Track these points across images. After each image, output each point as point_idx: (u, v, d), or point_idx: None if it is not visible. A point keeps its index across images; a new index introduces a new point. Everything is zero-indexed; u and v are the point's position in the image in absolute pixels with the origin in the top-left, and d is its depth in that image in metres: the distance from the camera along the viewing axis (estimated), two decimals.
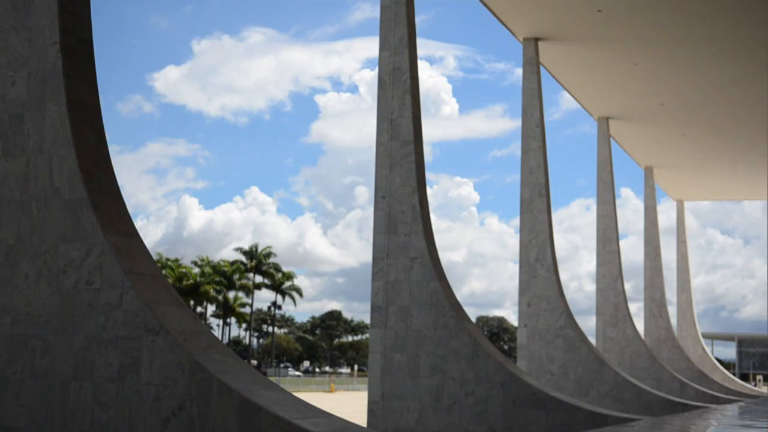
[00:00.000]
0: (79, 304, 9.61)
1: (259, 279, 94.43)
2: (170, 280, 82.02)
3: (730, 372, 63.62)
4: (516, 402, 16.51)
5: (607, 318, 34.91)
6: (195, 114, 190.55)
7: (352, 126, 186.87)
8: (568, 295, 27.28)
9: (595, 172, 35.52)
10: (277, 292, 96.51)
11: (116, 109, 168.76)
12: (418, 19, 19.65)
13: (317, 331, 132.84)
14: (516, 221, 27.91)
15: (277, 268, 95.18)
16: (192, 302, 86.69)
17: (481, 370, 16.91)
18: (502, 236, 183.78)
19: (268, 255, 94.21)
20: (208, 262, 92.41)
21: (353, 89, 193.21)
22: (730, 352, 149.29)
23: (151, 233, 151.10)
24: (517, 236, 26.12)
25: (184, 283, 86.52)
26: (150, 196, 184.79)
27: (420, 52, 19.55)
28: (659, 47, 27.07)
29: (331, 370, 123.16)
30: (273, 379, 69.35)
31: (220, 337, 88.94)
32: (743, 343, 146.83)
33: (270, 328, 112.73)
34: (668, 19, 24.60)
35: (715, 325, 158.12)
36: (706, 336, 72.28)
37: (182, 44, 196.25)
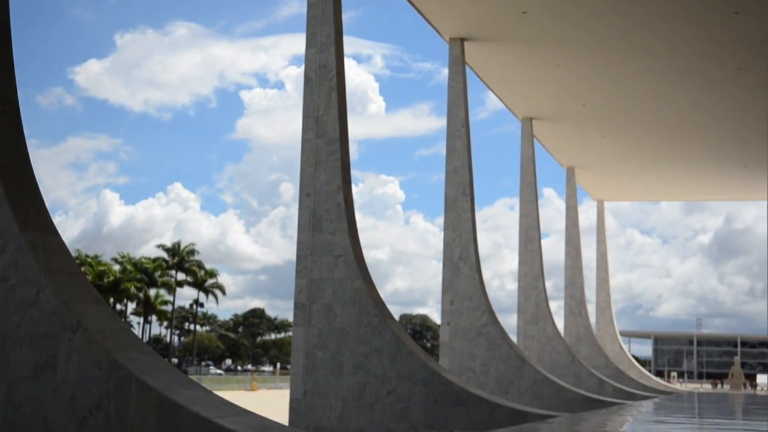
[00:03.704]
0: None
1: (181, 276, 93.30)
2: (89, 278, 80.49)
3: (646, 369, 65.08)
4: (437, 399, 16.60)
5: (528, 316, 35.35)
6: (117, 108, 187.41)
7: (278, 123, 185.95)
8: (491, 293, 27.58)
9: (518, 171, 35.95)
10: (199, 290, 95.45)
11: (36, 102, 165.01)
12: (345, 17, 19.63)
13: (240, 329, 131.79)
14: (440, 220, 28.10)
15: (200, 266, 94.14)
16: (112, 300, 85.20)
17: (403, 367, 16.96)
18: (427, 235, 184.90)
19: (191, 252, 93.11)
20: (129, 259, 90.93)
21: (279, 86, 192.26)
22: (646, 349, 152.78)
23: (70, 229, 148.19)
24: (441, 235, 26.28)
25: (104, 280, 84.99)
26: (69, 192, 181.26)
27: (347, 50, 19.52)
28: (582, 49, 27.51)
29: (254, 368, 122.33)
30: (194, 377, 68.58)
31: (140, 336, 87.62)
32: (659, 341, 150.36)
33: (192, 326, 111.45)
34: (591, 21, 25.01)
35: (633, 323, 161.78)
36: (623, 334, 73.86)
37: (105, 37, 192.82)
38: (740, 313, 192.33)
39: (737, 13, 23.30)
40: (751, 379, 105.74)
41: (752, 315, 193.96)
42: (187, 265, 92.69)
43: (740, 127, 35.07)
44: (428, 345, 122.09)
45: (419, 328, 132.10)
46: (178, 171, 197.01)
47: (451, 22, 25.91)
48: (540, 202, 36.68)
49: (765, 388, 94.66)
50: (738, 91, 30.62)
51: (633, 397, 34.19)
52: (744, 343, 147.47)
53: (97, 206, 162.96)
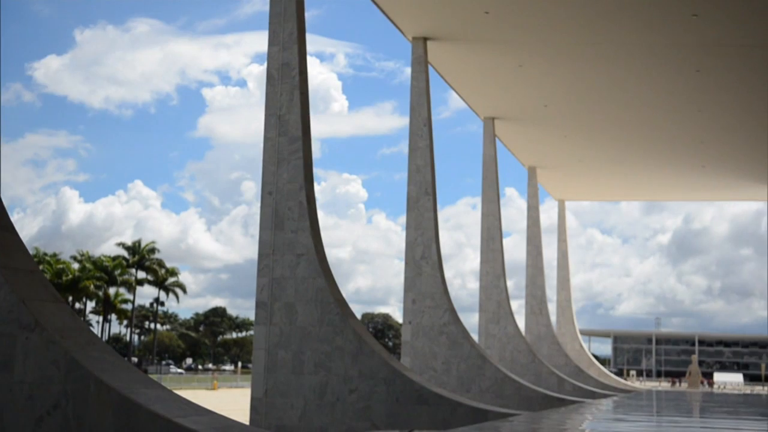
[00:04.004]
0: None
1: (141, 275, 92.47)
2: (48, 276, 79.58)
3: (605, 368, 65.66)
4: (399, 398, 16.62)
5: (489, 315, 35.50)
6: (77, 105, 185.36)
7: (240, 121, 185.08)
8: (453, 292, 27.65)
9: (481, 171, 36.06)
10: (159, 289, 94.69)
11: None
12: (308, 15, 19.57)
13: (201, 328, 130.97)
14: (403, 219, 28.10)
15: (161, 264, 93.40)
16: (70, 298, 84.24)
17: (365, 366, 16.96)
18: (389, 233, 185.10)
19: (152, 250, 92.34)
20: (89, 257, 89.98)
21: (242, 84, 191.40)
22: (606, 348, 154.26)
23: (28, 227, 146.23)
24: (404, 234, 26.31)
25: (63, 278, 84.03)
26: (27, 189, 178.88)
27: (310, 48, 19.50)
28: (544, 50, 27.68)
29: (215, 367, 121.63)
30: (154, 376, 68.07)
31: (99, 334, 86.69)
32: (618, 340, 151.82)
33: (152, 325, 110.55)
34: (553, 23, 25.17)
35: (593, 322, 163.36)
36: (583, 333, 74.47)
37: (64, 33, 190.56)
38: (698, 312, 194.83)
39: (696, 16, 23.58)
40: (709, 377, 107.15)
41: (710, 314, 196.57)
42: (147, 263, 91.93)
43: (698, 129, 35.50)
44: (390, 344, 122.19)
45: (381, 327, 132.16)
46: (139, 169, 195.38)
47: (413, 22, 25.95)
48: (502, 201, 36.90)
49: (722, 387, 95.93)
50: (697, 93, 30.99)
51: (592, 395, 34.48)
52: (701, 342, 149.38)
53: (56, 204, 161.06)
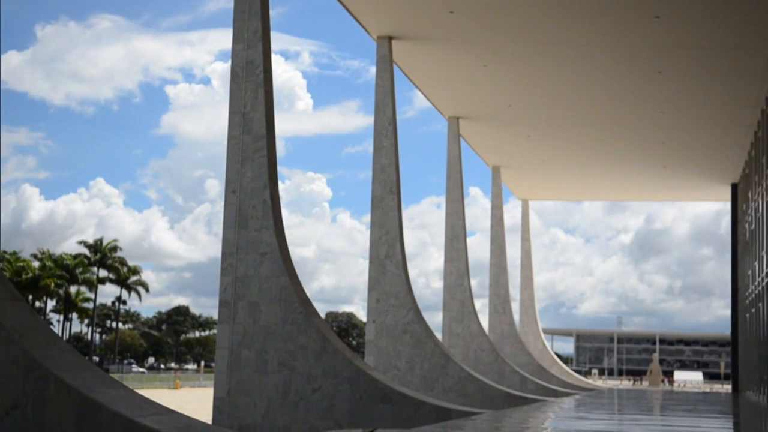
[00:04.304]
0: None
1: (103, 273, 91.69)
2: (7, 274, 78.61)
3: (568, 366, 66.13)
4: (362, 397, 16.62)
5: (453, 314, 35.59)
6: (38, 102, 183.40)
7: (204, 119, 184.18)
8: (417, 291, 27.71)
9: (445, 170, 36.15)
10: (121, 287, 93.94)
11: None
12: (273, 13, 19.51)
13: (163, 327, 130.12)
14: (367, 218, 28.08)
15: (123, 262, 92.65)
16: (30, 297, 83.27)
17: (328, 365, 16.94)
18: (353, 232, 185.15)
19: (114, 248, 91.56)
20: (49, 256, 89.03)
21: (206, 81, 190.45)
22: (568, 347, 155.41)
23: None
24: (368, 232, 26.31)
25: (23, 276, 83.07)
26: None
27: (274, 46, 19.42)
28: (508, 50, 27.79)
29: (177, 366, 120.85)
30: (115, 376, 67.50)
31: (60, 333, 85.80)
32: (581, 339, 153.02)
33: (114, 324, 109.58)
34: (517, 23, 25.28)
35: (555, 321, 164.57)
36: (546, 332, 74.87)
37: (25, 29, 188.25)
38: (659, 311, 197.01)
39: (657, 18, 23.80)
40: (669, 375, 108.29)
41: (670, 313, 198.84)
42: (109, 261, 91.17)
43: (660, 130, 35.83)
44: (354, 343, 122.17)
45: (345, 326, 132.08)
46: (101, 166, 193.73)
47: (378, 21, 25.94)
48: (466, 200, 37.00)
49: (682, 385, 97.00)
50: (658, 94, 31.28)
51: (555, 393, 34.74)
52: (662, 341, 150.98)
53: (16, 201, 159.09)
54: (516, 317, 49.19)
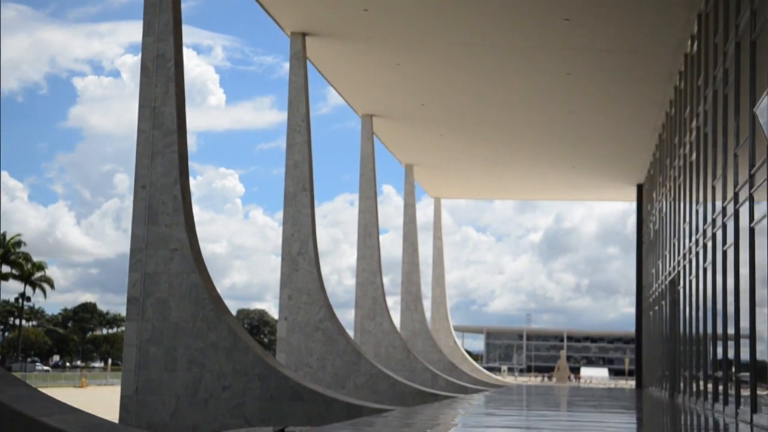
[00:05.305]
0: None
1: (6, 269, 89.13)
2: None
3: (478, 363, 66.95)
4: (273, 395, 16.54)
5: (365, 311, 35.68)
6: None
7: (114, 112, 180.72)
8: (329, 288, 27.71)
9: (359, 168, 36.16)
10: (25, 283, 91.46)
11: None
12: (184, 6, 19.25)
13: (69, 324, 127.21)
14: (280, 214, 28.01)
15: (27, 258, 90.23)
16: None
17: (239, 363, 16.81)
18: (266, 229, 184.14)
19: (17, 244, 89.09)
20: None
21: (115, 74, 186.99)
22: (479, 344, 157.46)
23: None
24: (281, 229, 26.18)
25: None
26: None
27: (186, 39, 19.18)
28: (421, 49, 27.94)
29: (83, 364, 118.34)
30: (18, 374, 65.64)
31: None
32: (491, 336, 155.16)
33: (17, 321, 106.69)
34: (430, 22, 25.43)
35: (466, 319, 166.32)
36: (457, 329, 75.69)
37: None
38: (567, 308, 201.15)
39: (568, 20, 24.24)
40: (576, 372, 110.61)
41: (578, 310, 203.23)
42: (12, 257, 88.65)
43: (569, 131, 36.50)
44: (266, 340, 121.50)
45: (257, 323, 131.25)
46: (5, 159, 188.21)
47: (292, 17, 25.80)
48: (379, 198, 37.11)
49: (588, 381, 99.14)
50: (567, 96, 31.85)
51: (465, 390, 35.17)
52: (570, 338, 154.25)
53: None
54: (427, 314, 49.57)
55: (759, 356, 14.05)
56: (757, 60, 14.59)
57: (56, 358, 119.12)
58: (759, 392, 13.96)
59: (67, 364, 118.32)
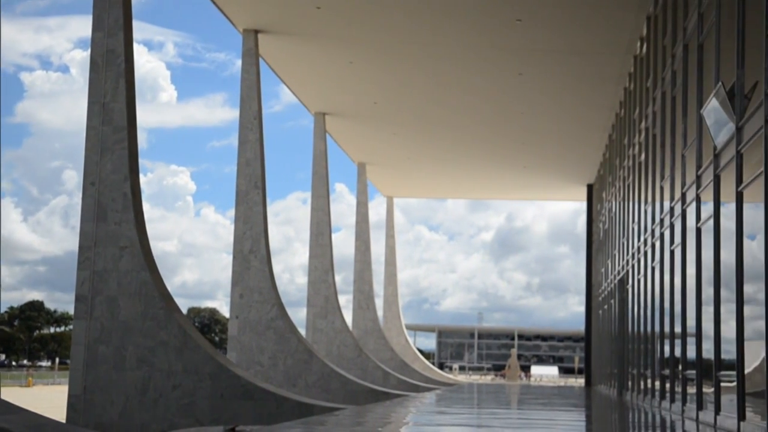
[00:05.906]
0: None
1: None
2: None
3: (430, 361, 67.21)
4: (224, 394, 16.46)
5: (317, 310, 35.63)
6: None
7: (62, 108, 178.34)
8: (281, 286, 27.62)
9: (311, 166, 36.09)
10: None
11: None
12: (135, 1, 19.06)
13: (15, 323, 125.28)
14: (232, 212, 27.87)
15: None
16: None
17: (189, 362, 16.70)
18: (217, 227, 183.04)
19: None
20: None
21: (64, 69, 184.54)
22: (430, 342, 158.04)
23: None
24: (232, 227, 26.04)
25: None
26: None
27: (137, 35, 19.01)
28: (374, 48, 27.96)
29: (30, 363, 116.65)
30: None
31: None
32: (443, 334, 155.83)
33: None
34: (383, 21, 25.46)
35: (418, 317, 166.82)
36: (409, 327, 75.87)
37: None
38: (518, 307, 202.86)
39: (519, 21, 24.42)
40: (526, 370, 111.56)
41: (528, 309, 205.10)
42: None
43: (520, 130, 36.78)
44: (217, 339, 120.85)
45: (208, 322, 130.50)
46: None
47: (245, 13, 25.66)
48: (332, 197, 37.04)
49: (539, 379, 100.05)
50: (519, 96, 32.10)
51: (417, 389, 35.29)
52: (520, 336, 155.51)
53: None
54: (380, 313, 49.63)
55: (705, 354, 14.28)
56: (704, 62, 14.82)
57: (2, 357, 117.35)
58: (704, 390, 14.19)
59: (13, 363, 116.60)
